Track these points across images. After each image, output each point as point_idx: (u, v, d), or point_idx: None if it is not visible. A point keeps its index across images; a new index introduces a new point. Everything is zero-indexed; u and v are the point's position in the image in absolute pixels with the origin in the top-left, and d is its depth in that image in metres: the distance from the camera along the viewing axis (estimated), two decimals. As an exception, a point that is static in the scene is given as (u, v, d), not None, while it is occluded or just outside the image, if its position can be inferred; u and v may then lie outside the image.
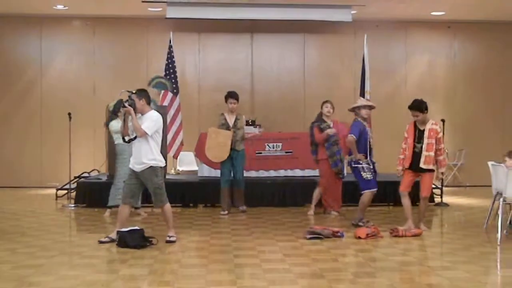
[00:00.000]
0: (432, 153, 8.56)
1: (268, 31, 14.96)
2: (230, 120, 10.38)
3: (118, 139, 9.61)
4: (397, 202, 11.32)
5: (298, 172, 12.11)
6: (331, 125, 10.08)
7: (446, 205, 11.60)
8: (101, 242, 7.74)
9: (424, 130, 8.60)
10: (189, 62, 14.89)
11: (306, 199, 11.43)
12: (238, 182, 10.49)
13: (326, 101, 10.26)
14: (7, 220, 9.74)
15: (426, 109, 8.62)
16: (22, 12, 14.25)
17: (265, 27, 14.79)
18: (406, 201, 8.83)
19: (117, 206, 9.63)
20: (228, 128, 10.33)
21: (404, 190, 8.82)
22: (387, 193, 11.40)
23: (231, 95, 10.39)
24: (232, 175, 10.45)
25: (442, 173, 8.94)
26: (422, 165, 8.56)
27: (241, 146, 10.42)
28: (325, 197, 10.29)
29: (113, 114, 9.80)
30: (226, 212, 10.31)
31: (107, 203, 10.07)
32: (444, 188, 12.23)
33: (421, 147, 8.57)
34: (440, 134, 8.66)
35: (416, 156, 8.60)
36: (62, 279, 5.98)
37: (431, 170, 8.65)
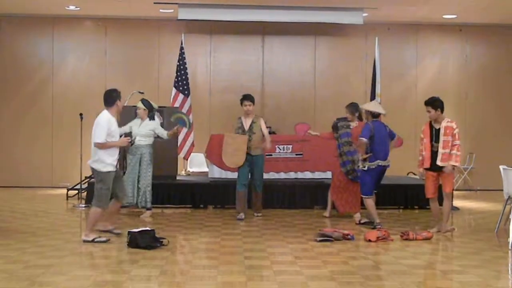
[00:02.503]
0: (448, 150, 8.48)
1: (279, 33, 14.96)
2: (246, 124, 10.07)
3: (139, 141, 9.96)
4: (407, 205, 11.40)
5: (308, 175, 12.09)
6: (351, 126, 9.98)
7: (457, 209, 11.54)
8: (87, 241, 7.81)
9: (439, 129, 8.57)
10: (200, 63, 14.90)
11: (316, 201, 11.45)
12: (256, 185, 10.20)
13: (346, 106, 10.20)
14: (18, 220, 9.78)
15: (440, 107, 8.59)
16: (34, 13, 14.32)
17: (276, 29, 14.79)
18: (434, 206, 8.86)
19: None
20: (243, 131, 10.05)
21: (431, 196, 8.78)
22: (397, 196, 11.39)
23: (246, 97, 10.13)
24: (249, 177, 10.17)
25: (454, 167, 8.62)
26: (438, 162, 8.51)
27: (257, 151, 10.06)
28: (334, 197, 10.16)
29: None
30: (242, 215, 10.00)
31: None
32: (454, 192, 12.15)
33: (438, 146, 8.54)
34: (456, 131, 8.55)
35: (434, 155, 8.57)
36: (73, 279, 6.00)
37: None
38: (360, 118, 10.01)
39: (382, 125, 9.26)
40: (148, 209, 10.03)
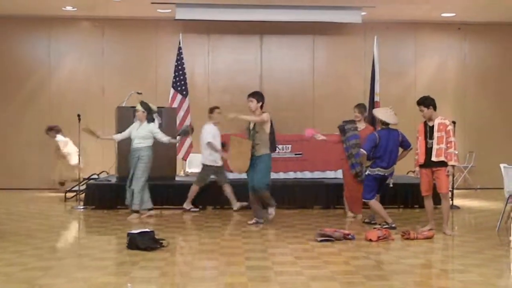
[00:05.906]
0: (442, 146, 8.43)
1: (277, 33, 14.92)
2: (252, 123, 9.40)
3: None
4: (407, 205, 11.34)
5: (307, 174, 12.05)
6: (358, 128, 9.92)
7: (457, 207, 11.50)
8: None
9: (433, 126, 8.54)
10: (199, 63, 14.85)
11: (316, 201, 11.40)
12: (255, 187, 9.37)
13: (355, 105, 10.20)
14: (15, 222, 9.71)
15: (432, 105, 8.58)
16: (31, 13, 14.26)
17: (274, 29, 14.74)
18: (428, 204, 8.81)
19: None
20: (248, 130, 9.43)
21: (426, 193, 8.74)
22: (397, 195, 11.33)
23: (249, 94, 9.53)
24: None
25: (453, 166, 8.57)
26: (433, 158, 8.46)
27: (260, 151, 9.24)
28: (347, 199, 10.18)
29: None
30: (255, 220, 9.48)
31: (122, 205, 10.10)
32: (454, 191, 12.12)
33: (433, 142, 8.50)
34: (450, 127, 8.50)
35: (429, 152, 8.52)
36: (72, 282, 5.94)
37: (444, 164, 8.52)
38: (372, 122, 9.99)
39: (392, 133, 9.14)
40: (135, 211, 9.94)
